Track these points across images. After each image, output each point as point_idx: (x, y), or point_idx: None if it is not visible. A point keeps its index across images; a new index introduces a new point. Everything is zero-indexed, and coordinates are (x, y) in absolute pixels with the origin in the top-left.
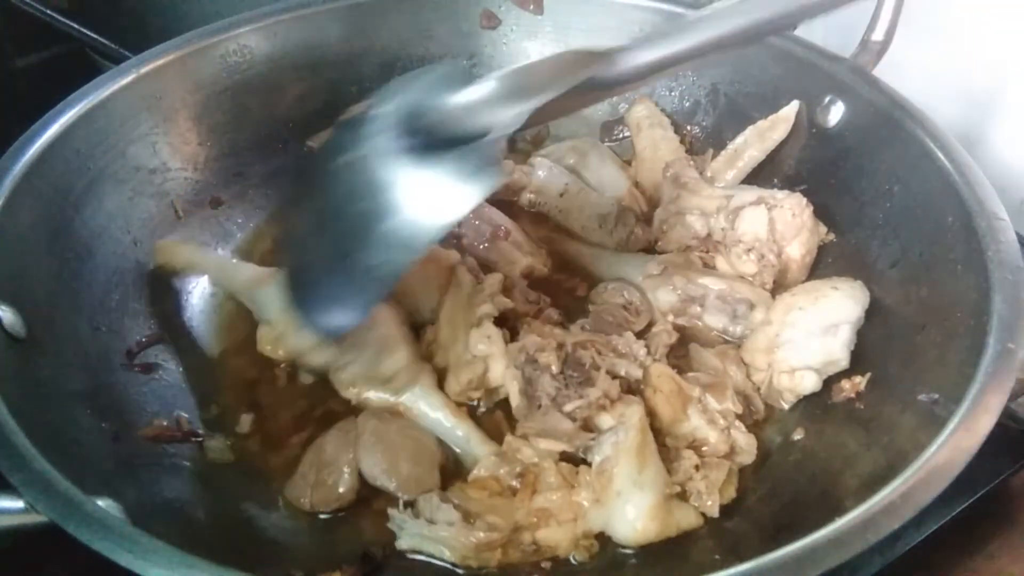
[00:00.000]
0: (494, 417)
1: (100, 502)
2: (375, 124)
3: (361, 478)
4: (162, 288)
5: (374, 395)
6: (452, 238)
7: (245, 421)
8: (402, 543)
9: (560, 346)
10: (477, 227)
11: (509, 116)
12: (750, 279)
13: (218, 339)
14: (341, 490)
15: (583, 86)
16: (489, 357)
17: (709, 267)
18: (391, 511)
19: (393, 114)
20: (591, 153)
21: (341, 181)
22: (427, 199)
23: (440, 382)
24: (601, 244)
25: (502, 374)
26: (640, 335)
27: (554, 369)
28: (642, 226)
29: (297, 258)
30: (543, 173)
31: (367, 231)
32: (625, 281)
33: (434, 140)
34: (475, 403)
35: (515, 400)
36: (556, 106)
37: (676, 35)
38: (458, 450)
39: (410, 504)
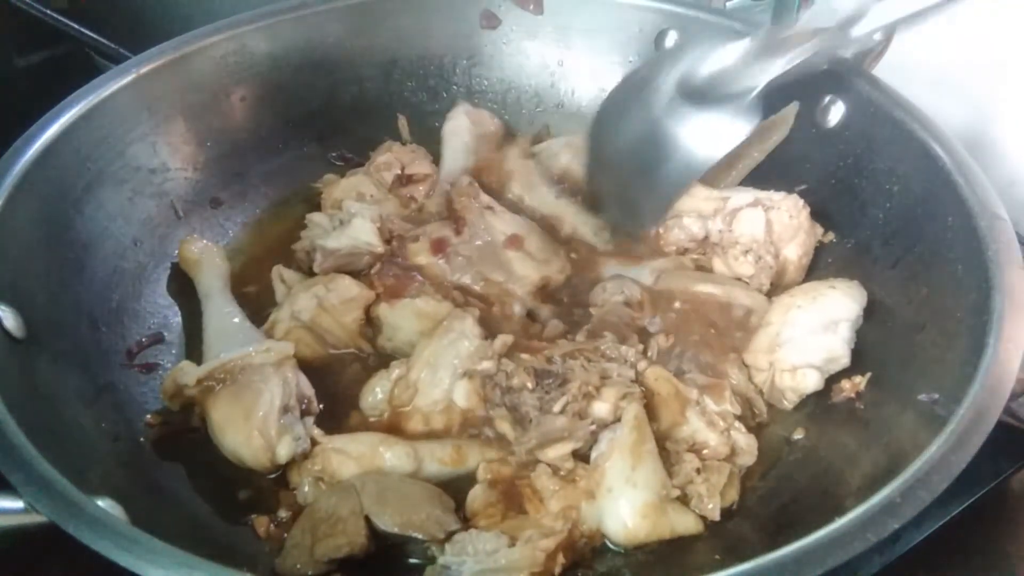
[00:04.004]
0: None
1: (100, 502)
2: (655, 90)
3: (368, 532)
4: (163, 287)
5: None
6: (457, 256)
7: None
8: None
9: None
10: (482, 243)
11: (762, 75)
12: (747, 280)
13: None
14: (352, 534)
15: (815, 53)
16: (468, 410)
17: (706, 269)
18: (441, 559)
19: (670, 81)
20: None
21: (633, 131)
22: (701, 141)
23: (399, 420)
24: (595, 245)
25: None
26: (641, 333)
27: (529, 385)
28: None
29: (606, 183)
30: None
31: (657, 164)
32: (621, 277)
33: (703, 97)
34: None
35: (510, 435)
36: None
37: None
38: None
39: (441, 543)
